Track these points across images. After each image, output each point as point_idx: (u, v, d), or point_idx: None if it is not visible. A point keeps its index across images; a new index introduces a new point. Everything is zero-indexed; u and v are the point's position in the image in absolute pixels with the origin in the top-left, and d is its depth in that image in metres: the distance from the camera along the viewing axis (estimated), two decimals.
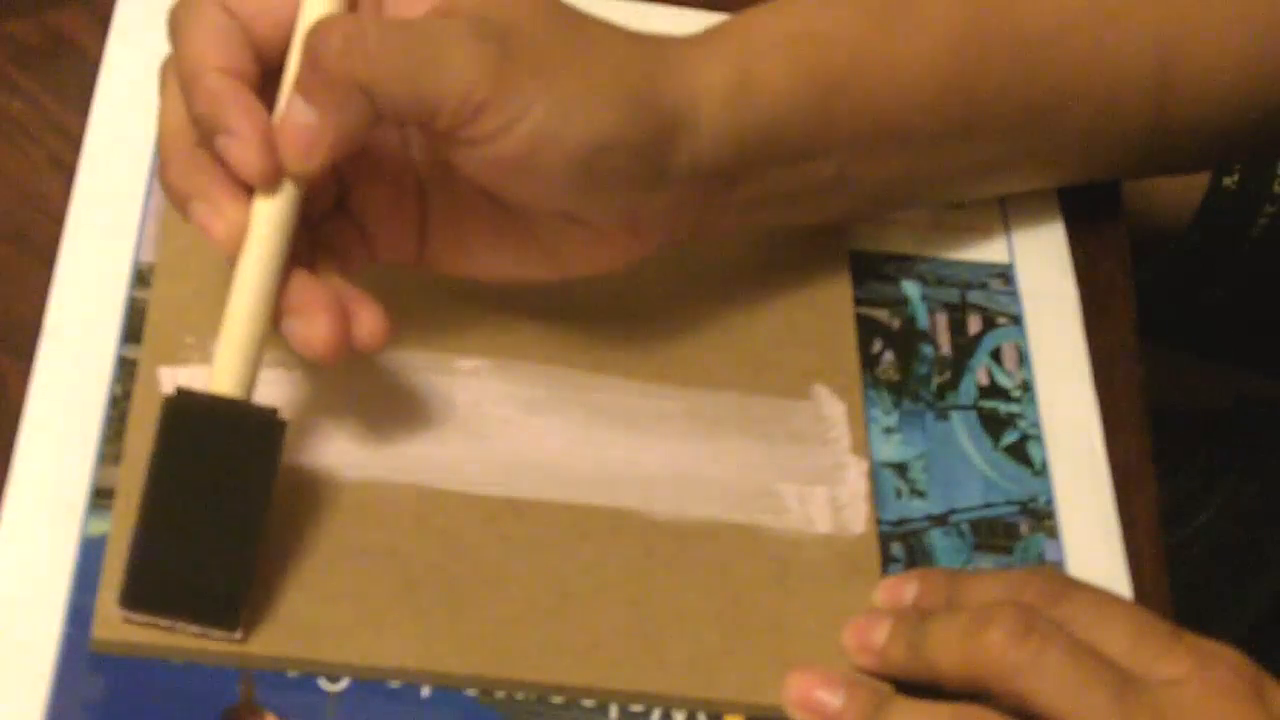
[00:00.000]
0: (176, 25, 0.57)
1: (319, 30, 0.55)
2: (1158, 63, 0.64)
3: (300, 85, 0.55)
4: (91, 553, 0.57)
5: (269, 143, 0.55)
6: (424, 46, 0.55)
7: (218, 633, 0.55)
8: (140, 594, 0.55)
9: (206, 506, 0.55)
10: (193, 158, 0.56)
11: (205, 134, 0.56)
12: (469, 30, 0.55)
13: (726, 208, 0.61)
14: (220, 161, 0.55)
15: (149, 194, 0.65)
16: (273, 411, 0.56)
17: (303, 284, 0.56)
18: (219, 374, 0.56)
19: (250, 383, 0.56)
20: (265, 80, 0.57)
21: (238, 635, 0.55)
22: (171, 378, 0.60)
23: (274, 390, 0.60)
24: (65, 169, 0.65)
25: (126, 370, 0.61)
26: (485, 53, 0.54)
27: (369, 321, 0.57)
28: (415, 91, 0.55)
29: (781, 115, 0.60)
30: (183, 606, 0.55)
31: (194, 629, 0.55)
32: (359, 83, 0.54)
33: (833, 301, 0.66)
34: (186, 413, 0.55)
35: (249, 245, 0.56)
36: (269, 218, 0.56)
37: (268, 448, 0.56)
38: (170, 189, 0.57)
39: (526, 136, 0.55)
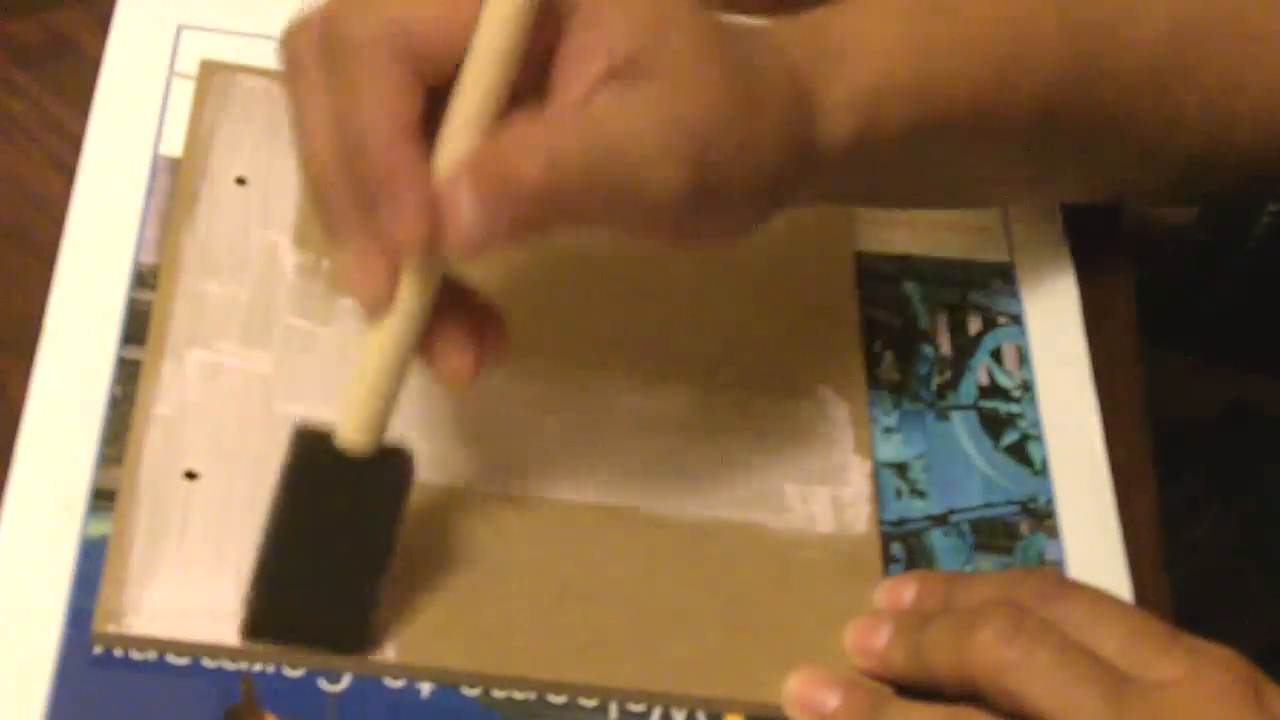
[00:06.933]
0: (344, 57, 0.52)
1: (510, 156, 0.51)
2: (1207, 116, 0.64)
3: (476, 194, 0.50)
4: (91, 554, 0.57)
5: (435, 220, 0.50)
6: (620, 171, 0.52)
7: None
8: (262, 624, 0.55)
9: (332, 540, 0.55)
10: (346, 187, 0.52)
11: (367, 192, 0.52)
12: (663, 147, 0.52)
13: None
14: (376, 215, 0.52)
15: (149, 194, 0.65)
16: (400, 449, 0.55)
17: (444, 331, 0.54)
18: (353, 422, 0.54)
19: (382, 434, 0.54)
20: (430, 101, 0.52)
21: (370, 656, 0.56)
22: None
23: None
24: (65, 169, 0.65)
25: (126, 371, 0.61)
26: (679, 176, 0.52)
27: (496, 344, 0.55)
28: (605, 218, 0.53)
29: (883, 164, 0.60)
30: (306, 637, 0.55)
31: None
32: (548, 217, 0.52)
33: (837, 303, 0.66)
34: (314, 448, 0.54)
35: (398, 301, 0.53)
36: (419, 278, 0.52)
37: (396, 482, 0.55)
38: (322, 213, 0.53)
39: (703, 239, 0.55)
